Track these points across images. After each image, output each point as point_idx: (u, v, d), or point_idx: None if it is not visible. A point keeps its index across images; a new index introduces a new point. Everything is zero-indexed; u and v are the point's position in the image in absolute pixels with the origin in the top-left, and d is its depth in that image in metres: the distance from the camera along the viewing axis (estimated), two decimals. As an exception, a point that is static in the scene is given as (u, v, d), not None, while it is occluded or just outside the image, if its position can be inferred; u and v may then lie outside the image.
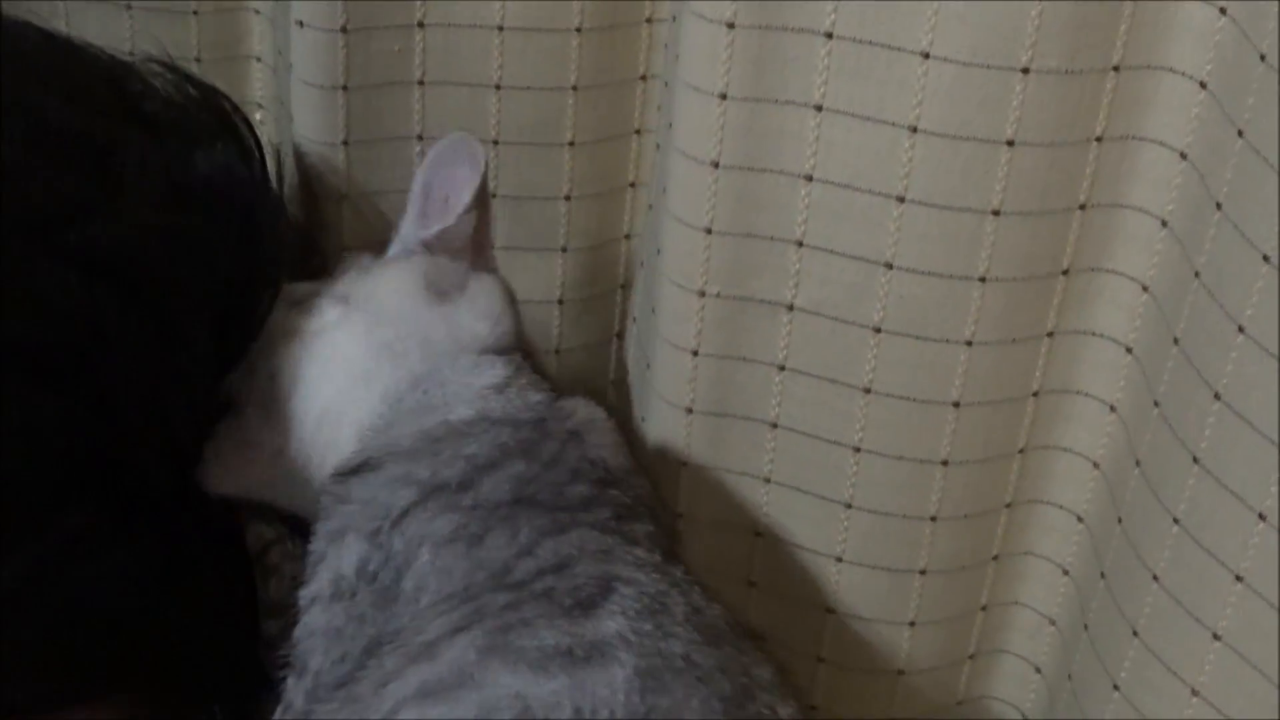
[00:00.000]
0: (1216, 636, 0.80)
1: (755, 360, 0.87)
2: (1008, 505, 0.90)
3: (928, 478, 0.87)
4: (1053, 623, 0.93)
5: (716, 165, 0.83)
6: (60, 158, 0.78)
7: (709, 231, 0.84)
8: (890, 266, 0.82)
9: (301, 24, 0.93)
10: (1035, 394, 0.86)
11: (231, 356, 0.81)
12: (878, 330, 0.84)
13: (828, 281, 0.84)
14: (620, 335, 1.09)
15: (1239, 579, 0.78)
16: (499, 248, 1.01)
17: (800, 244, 0.84)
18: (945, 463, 0.87)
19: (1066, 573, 0.91)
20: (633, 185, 1.03)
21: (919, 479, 0.87)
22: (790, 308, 0.85)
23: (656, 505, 0.81)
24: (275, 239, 0.86)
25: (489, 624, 0.69)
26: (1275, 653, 0.77)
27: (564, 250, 1.02)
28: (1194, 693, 0.82)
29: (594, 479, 0.78)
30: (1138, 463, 0.82)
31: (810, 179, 0.82)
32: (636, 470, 0.82)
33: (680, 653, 0.67)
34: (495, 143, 0.99)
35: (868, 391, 0.86)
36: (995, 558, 0.92)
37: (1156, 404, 0.80)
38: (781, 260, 0.84)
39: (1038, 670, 0.95)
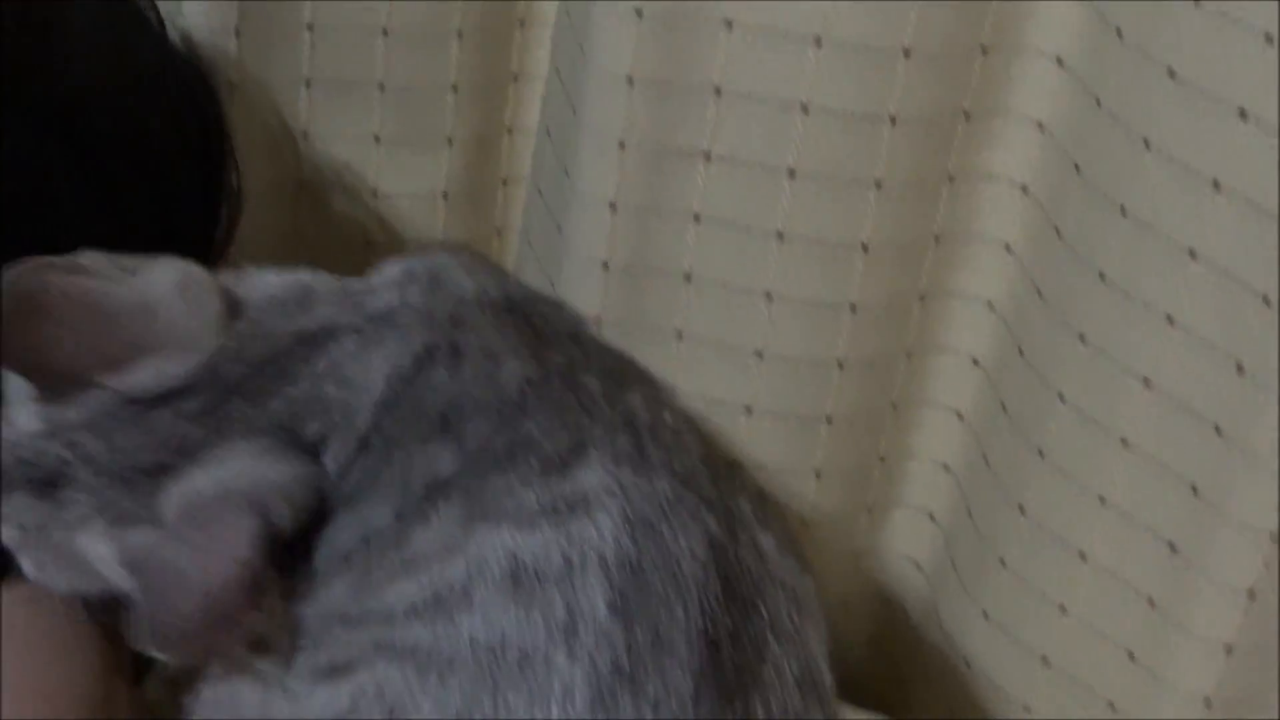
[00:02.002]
0: (1103, 500, 0.86)
1: (671, 211, 0.90)
2: (908, 352, 0.94)
3: (836, 322, 0.91)
4: (947, 469, 0.98)
5: (640, 15, 0.86)
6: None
7: (631, 82, 0.87)
8: (806, 110, 0.86)
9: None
10: (937, 238, 0.91)
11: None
12: (792, 174, 0.88)
13: (743, 127, 0.88)
14: (500, 232, 1.12)
15: (1125, 443, 0.84)
16: (386, 143, 1.03)
17: (718, 91, 0.87)
18: (853, 307, 0.91)
19: (962, 418, 0.96)
20: (516, 78, 1.05)
21: (828, 324, 0.91)
22: (707, 156, 0.89)
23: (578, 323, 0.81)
24: (221, 137, 0.87)
25: (458, 500, 0.70)
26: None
27: (449, 143, 1.04)
28: (1082, 556, 0.88)
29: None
30: (1039, 292, 0.87)
31: (730, 25, 0.85)
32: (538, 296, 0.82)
33: (665, 494, 0.69)
34: (385, 33, 1.01)
35: (781, 237, 0.89)
36: (894, 406, 0.96)
37: (1058, 232, 0.85)
38: (699, 108, 0.87)
39: (931, 518, 1.00)
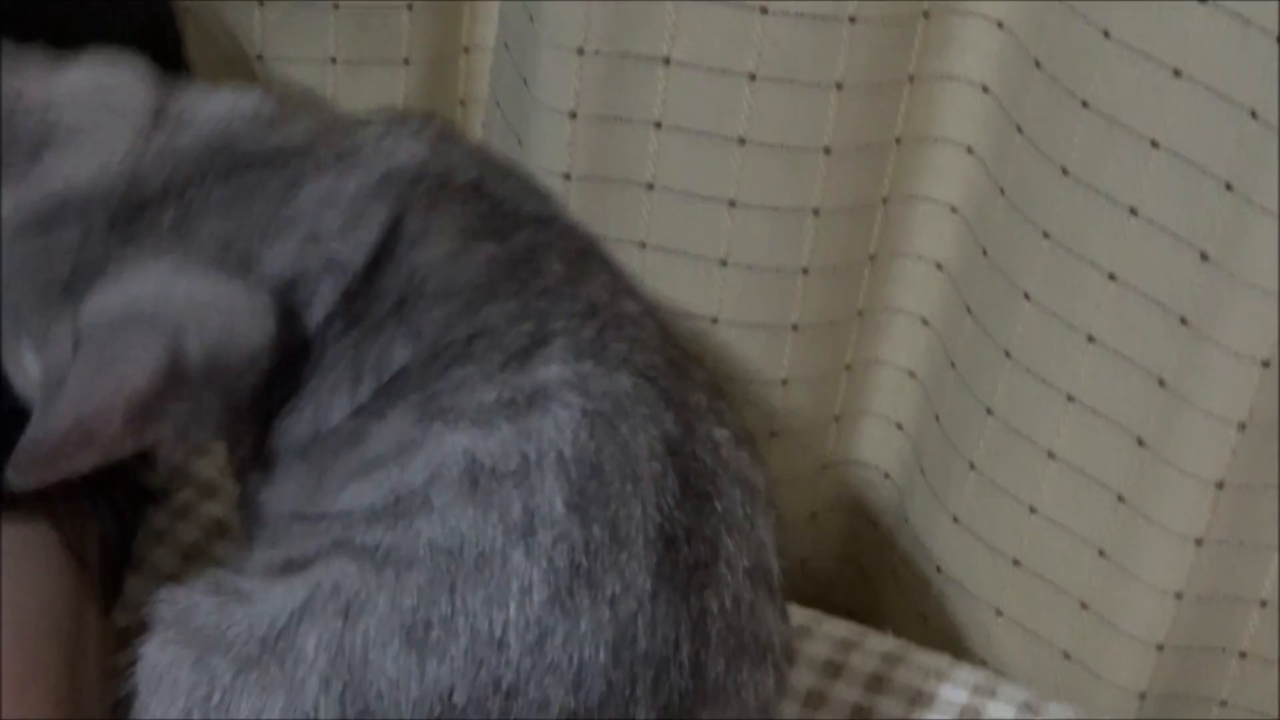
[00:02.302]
0: (1070, 398, 0.86)
1: (631, 119, 0.90)
2: (872, 257, 0.94)
3: (800, 229, 0.91)
4: (913, 376, 0.98)
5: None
6: None
7: (588, -9, 0.86)
8: (765, 12, 0.85)
9: None
10: (898, 140, 0.90)
11: None
12: (753, 78, 0.87)
13: (703, 33, 0.87)
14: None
15: (1091, 339, 0.84)
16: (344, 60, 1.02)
17: (675, -3, 0.86)
18: (816, 212, 0.90)
19: (926, 323, 0.96)
20: (470, -2, 1.04)
21: (792, 231, 0.91)
22: (666, 62, 0.88)
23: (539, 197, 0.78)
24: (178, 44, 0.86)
25: (414, 397, 0.68)
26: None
27: (406, 63, 1.03)
28: (1050, 455, 0.88)
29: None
30: (1001, 191, 0.87)
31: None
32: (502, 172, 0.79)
33: (625, 390, 0.67)
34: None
35: (742, 143, 0.89)
36: (860, 313, 0.96)
37: (1020, 129, 0.85)
38: (659, 14, 0.87)
39: (899, 427, 1.00)
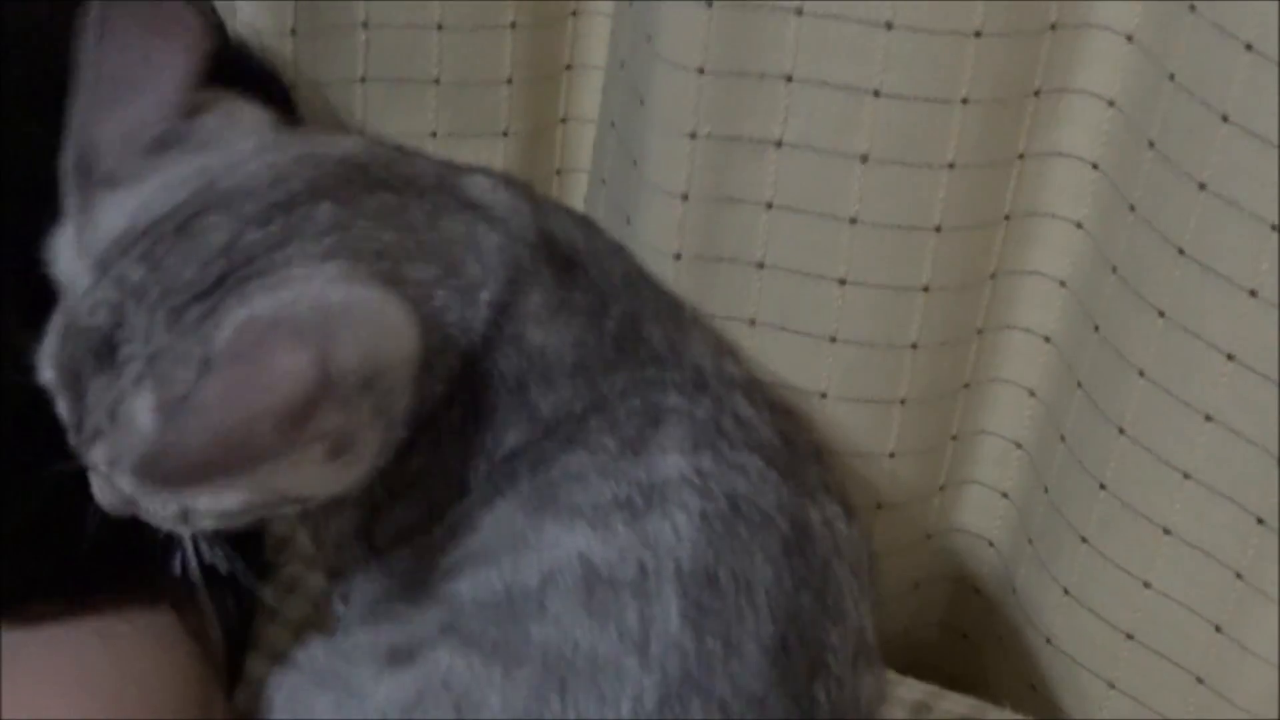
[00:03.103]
0: (1186, 475, 0.86)
1: (742, 200, 0.90)
2: (979, 331, 0.94)
3: (910, 305, 0.91)
4: (1020, 446, 0.98)
5: (710, 2, 0.85)
6: None
7: (701, 72, 0.87)
8: (877, 94, 0.86)
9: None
10: (1007, 217, 0.91)
11: None
12: (864, 160, 0.88)
13: (814, 114, 0.87)
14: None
15: (1208, 418, 0.84)
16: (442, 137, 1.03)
17: (789, 78, 0.87)
18: (926, 289, 0.91)
19: (1034, 394, 0.96)
20: (569, 68, 1.05)
21: (901, 307, 0.91)
22: (778, 144, 0.89)
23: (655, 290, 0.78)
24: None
25: (525, 485, 0.68)
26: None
27: (505, 135, 1.04)
28: (1165, 530, 0.88)
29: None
30: (1113, 269, 0.87)
31: (800, 13, 0.85)
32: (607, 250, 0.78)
33: (743, 492, 0.68)
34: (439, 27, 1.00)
35: (853, 222, 0.89)
36: (966, 385, 0.96)
37: (1132, 208, 0.85)
38: (770, 96, 0.87)
39: (1005, 496, 1.00)
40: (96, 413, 0.66)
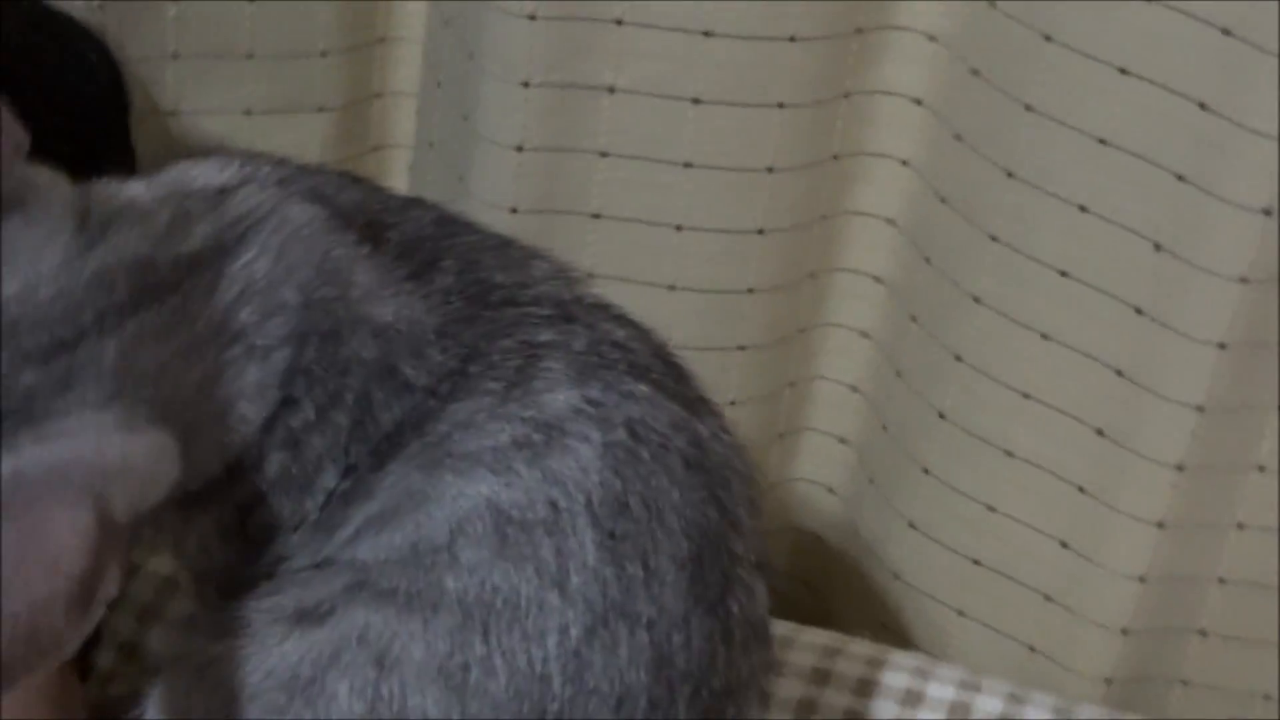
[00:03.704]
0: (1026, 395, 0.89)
1: (576, 149, 0.91)
2: (812, 275, 0.96)
3: (747, 248, 0.92)
4: (856, 390, 0.99)
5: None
6: None
7: (532, 19, 0.87)
8: (708, 35, 0.87)
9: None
10: (835, 157, 0.93)
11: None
12: (696, 102, 0.89)
13: (646, 59, 0.88)
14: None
15: (1045, 337, 0.87)
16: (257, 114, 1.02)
17: (620, 22, 0.87)
18: (761, 232, 0.92)
19: (867, 336, 0.98)
20: (383, 40, 1.04)
21: (738, 250, 0.92)
22: (611, 90, 0.89)
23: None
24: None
25: (415, 445, 0.67)
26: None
27: (320, 110, 1.03)
28: (1008, 454, 0.90)
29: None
30: (942, 199, 0.89)
31: (629, -42, 0.86)
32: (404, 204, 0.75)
33: (637, 416, 0.67)
34: (250, 0, 0.99)
35: (688, 166, 0.90)
36: (802, 330, 0.97)
37: (958, 137, 0.88)
38: (603, 40, 0.88)
39: (843, 441, 1.01)
40: None
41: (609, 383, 0.68)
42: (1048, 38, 0.82)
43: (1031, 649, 0.93)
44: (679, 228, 0.92)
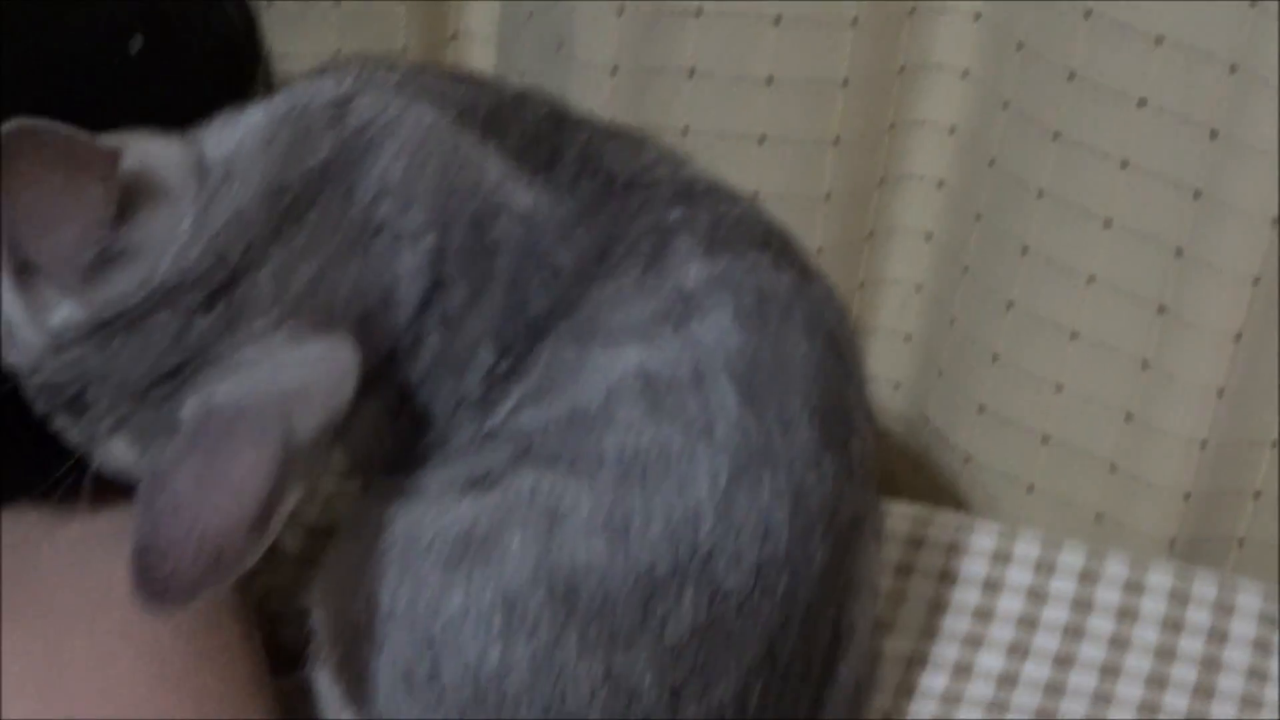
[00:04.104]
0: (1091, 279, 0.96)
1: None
2: (881, 181, 1.03)
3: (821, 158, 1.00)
4: (920, 289, 1.07)
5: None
6: None
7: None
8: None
9: None
10: (902, 69, 1.00)
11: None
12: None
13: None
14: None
15: (1107, 224, 0.94)
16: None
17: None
18: (836, 142, 0.99)
19: (930, 238, 1.05)
20: None
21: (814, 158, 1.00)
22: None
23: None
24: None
25: (565, 325, 0.74)
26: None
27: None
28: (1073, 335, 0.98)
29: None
30: (1004, 104, 0.97)
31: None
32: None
33: (763, 284, 0.74)
34: None
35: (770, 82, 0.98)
36: (869, 235, 1.05)
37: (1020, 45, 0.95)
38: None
39: (908, 339, 1.09)
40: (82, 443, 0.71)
41: (734, 254, 0.75)
42: None
43: (1099, 517, 1.01)
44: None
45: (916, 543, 0.94)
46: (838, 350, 0.76)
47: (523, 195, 0.75)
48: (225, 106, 0.76)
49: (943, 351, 1.06)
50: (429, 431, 0.77)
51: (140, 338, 0.69)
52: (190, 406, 0.69)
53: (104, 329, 0.69)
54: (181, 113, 0.76)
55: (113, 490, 0.74)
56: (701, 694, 0.72)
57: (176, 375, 0.69)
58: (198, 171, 0.71)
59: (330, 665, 0.77)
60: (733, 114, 0.99)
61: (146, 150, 0.71)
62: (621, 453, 0.72)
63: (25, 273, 0.70)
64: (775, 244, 0.77)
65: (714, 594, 0.71)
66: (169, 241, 0.69)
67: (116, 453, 0.71)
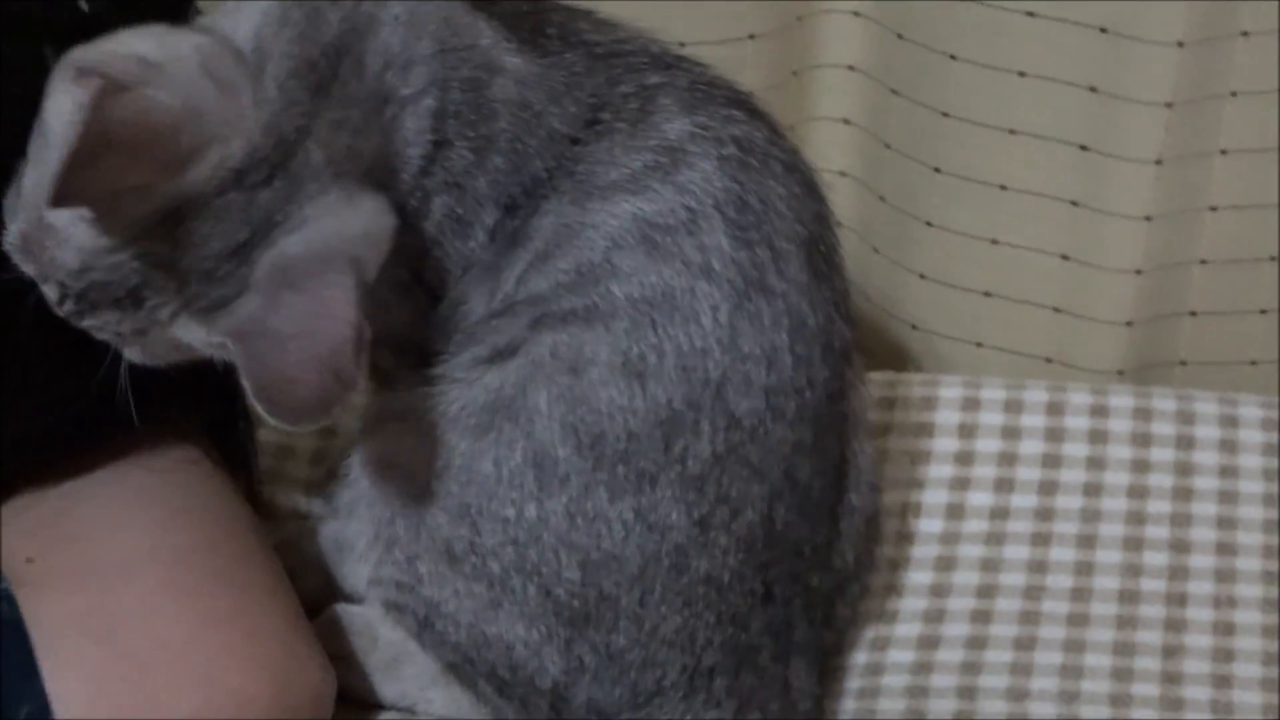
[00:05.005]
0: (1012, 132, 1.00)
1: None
2: (794, 72, 1.07)
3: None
4: (844, 175, 1.11)
5: None
6: None
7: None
8: None
9: None
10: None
11: None
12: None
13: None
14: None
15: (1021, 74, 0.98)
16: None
17: None
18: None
19: (849, 123, 1.09)
20: None
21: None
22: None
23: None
24: None
25: (566, 184, 0.78)
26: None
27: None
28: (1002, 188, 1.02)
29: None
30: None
31: None
32: None
33: (740, 135, 0.79)
34: None
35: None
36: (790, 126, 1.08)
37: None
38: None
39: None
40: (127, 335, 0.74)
41: (713, 111, 0.80)
42: None
43: (1048, 360, 1.06)
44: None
45: (889, 403, 0.98)
46: (815, 194, 0.81)
47: (514, 59, 0.79)
48: None
49: (875, 230, 1.10)
50: (442, 303, 0.80)
51: (210, 221, 0.72)
52: (264, 263, 0.73)
53: (171, 218, 0.72)
54: None
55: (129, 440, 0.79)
56: (729, 521, 0.77)
57: (245, 247, 0.73)
58: (239, 57, 0.74)
59: (368, 565, 0.81)
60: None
61: (194, 45, 0.73)
62: (629, 298, 0.76)
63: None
64: (745, 103, 0.82)
65: (729, 422, 0.76)
66: (235, 126, 0.72)
67: (179, 335, 0.74)
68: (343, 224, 0.74)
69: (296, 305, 0.72)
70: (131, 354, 0.75)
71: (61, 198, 0.68)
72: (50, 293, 0.73)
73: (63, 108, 0.68)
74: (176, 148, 0.71)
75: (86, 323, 0.73)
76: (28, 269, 0.73)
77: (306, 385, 0.70)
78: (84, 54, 0.71)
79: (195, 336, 0.74)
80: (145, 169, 0.71)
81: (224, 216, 0.73)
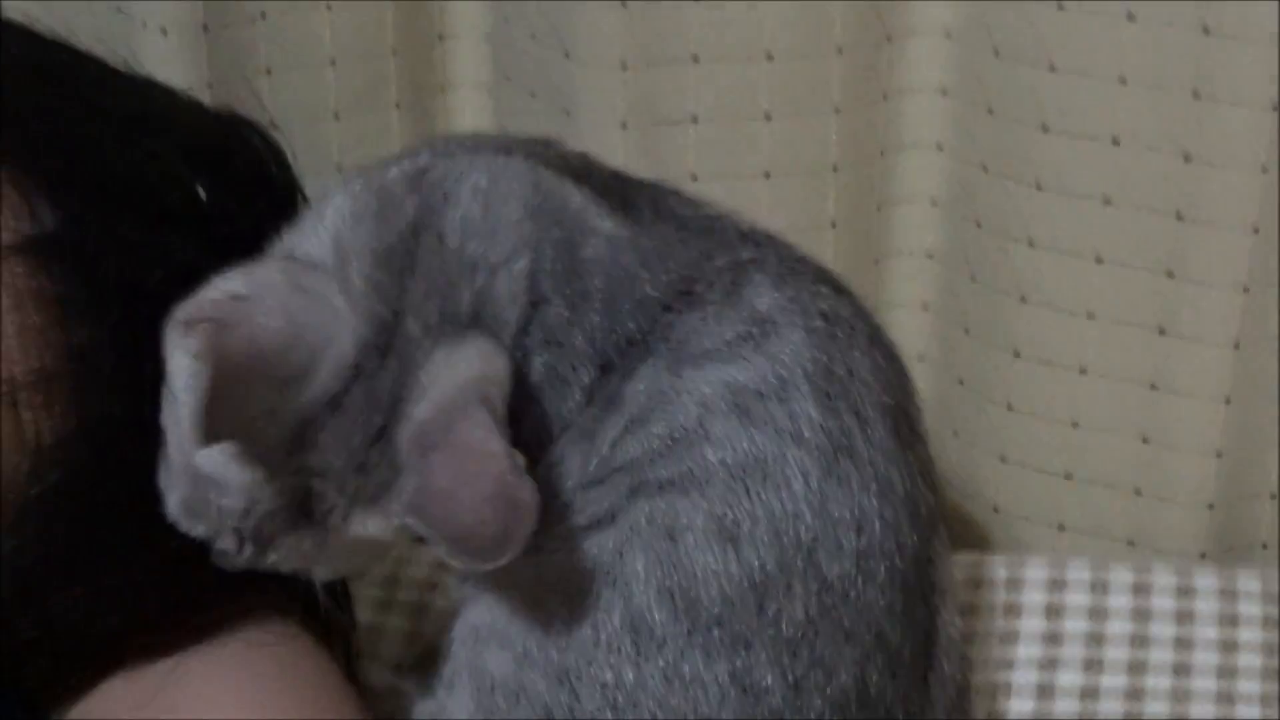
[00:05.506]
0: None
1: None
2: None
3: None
4: (923, 359, 1.13)
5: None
6: None
7: None
8: None
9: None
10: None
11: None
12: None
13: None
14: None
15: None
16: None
17: None
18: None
19: (927, 309, 1.11)
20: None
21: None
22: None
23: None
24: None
25: (661, 348, 0.80)
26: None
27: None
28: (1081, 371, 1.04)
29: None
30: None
31: None
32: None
33: (827, 309, 0.82)
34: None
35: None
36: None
37: None
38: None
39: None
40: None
41: (801, 286, 0.83)
42: None
43: (1130, 543, 1.06)
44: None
45: (975, 584, 0.99)
46: (897, 365, 0.84)
47: (605, 223, 0.82)
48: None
49: (953, 414, 1.11)
50: (539, 464, 0.81)
51: (345, 418, 0.76)
52: (404, 439, 0.76)
53: (311, 428, 0.76)
54: (240, 245, 0.82)
55: None
56: (824, 684, 0.78)
57: (384, 430, 0.76)
58: (322, 268, 0.78)
59: None
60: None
61: (279, 269, 0.78)
62: (723, 464, 0.78)
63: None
64: (831, 280, 0.85)
65: (821, 585, 0.77)
66: (337, 328, 0.76)
67: (359, 532, 0.77)
68: (456, 374, 0.77)
69: (449, 461, 0.75)
70: (322, 573, 0.79)
71: (205, 439, 0.72)
72: (228, 545, 0.76)
73: (180, 362, 0.72)
74: (291, 364, 0.75)
75: (271, 559, 0.76)
76: (199, 531, 0.76)
77: (491, 523, 0.73)
78: (184, 308, 0.74)
79: (375, 526, 0.77)
80: (268, 391, 0.75)
81: (356, 410, 0.76)
